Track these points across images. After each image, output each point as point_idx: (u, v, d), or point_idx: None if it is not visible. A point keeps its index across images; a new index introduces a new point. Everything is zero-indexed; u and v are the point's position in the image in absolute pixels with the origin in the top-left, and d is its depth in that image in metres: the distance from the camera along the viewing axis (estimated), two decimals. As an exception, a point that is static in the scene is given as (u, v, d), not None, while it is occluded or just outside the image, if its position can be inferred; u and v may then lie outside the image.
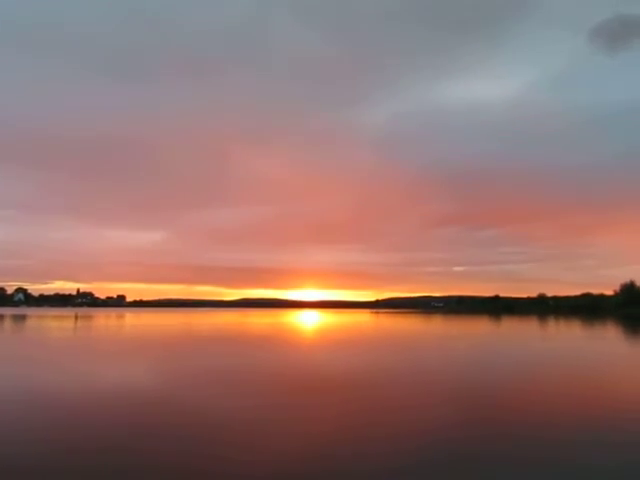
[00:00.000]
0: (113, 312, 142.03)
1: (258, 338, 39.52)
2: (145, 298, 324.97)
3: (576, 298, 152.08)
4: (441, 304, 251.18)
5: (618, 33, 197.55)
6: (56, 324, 61.66)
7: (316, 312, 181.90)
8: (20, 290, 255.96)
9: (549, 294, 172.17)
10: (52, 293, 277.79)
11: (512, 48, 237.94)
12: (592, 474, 7.17)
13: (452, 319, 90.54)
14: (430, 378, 16.69)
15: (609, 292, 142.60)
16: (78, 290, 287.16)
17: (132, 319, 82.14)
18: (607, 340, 37.44)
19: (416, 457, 7.81)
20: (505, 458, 7.83)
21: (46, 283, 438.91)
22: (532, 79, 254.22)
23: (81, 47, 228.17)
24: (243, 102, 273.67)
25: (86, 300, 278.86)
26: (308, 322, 79.57)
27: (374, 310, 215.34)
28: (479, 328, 57.43)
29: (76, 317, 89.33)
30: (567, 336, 42.65)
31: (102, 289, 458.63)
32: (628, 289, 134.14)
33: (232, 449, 8.19)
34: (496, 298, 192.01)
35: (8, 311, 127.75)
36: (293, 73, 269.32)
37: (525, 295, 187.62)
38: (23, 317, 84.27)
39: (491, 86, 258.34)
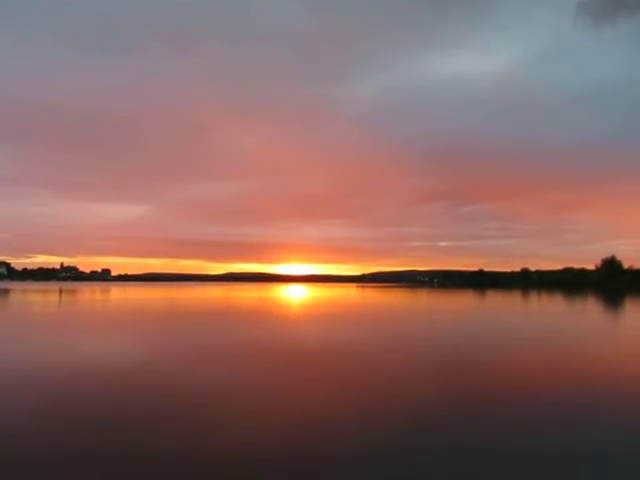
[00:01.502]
0: (98, 286, 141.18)
1: (244, 312, 39.65)
2: (130, 272, 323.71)
3: (558, 272, 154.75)
4: (426, 278, 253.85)
5: (603, 9, 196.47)
6: (40, 298, 61.14)
7: (302, 286, 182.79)
8: (3, 264, 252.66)
9: (532, 269, 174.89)
10: (35, 267, 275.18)
11: (498, 23, 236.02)
12: (571, 431, 7.36)
13: (437, 293, 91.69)
14: (415, 350, 16.93)
15: (591, 267, 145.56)
16: (62, 264, 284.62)
17: (117, 293, 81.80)
18: (585, 314, 38.25)
19: (403, 419, 7.95)
20: (488, 419, 8.03)
21: (29, 257, 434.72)
22: (518, 55, 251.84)
23: (64, 20, 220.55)
24: (226, 76, 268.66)
25: (70, 274, 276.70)
26: (294, 296, 79.98)
27: (360, 284, 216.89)
28: (464, 302, 58.26)
29: (61, 291, 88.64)
30: (548, 310, 43.50)
31: (86, 263, 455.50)
32: (609, 264, 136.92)
33: (216, 425, 8.22)
34: (480, 273, 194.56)
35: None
36: (277, 47, 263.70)
37: (509, 270, 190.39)
38: (6, 291, 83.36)
39: (477, 61, 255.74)
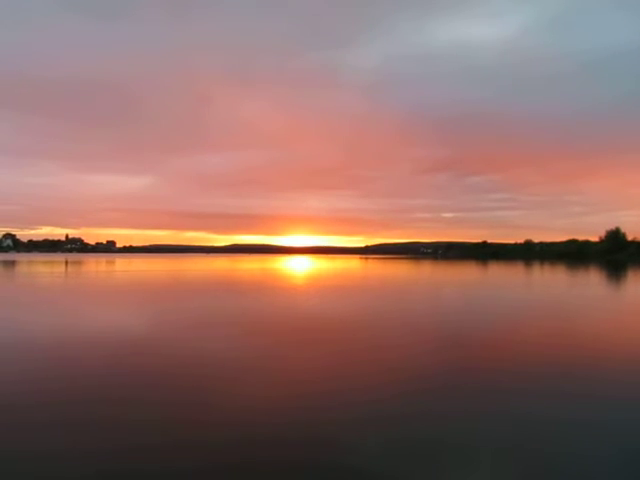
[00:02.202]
0: (103, 257, 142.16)
1: (247, 284, 39.97)
2: (135, 244, 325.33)
3: (562, 244, 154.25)
4: (430, 250, 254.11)
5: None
6: (46, 269, 61.72)
7: (306, 258, 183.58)
8: (8, 236, 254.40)
9: (536, 240, 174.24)
10: (41, 239, 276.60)
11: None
12: (566, 401, 7.51)
13: (440, 265, 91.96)
14: (417, 323, 17.11)
15: (595, 238, 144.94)
16: (67, 236, 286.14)
17: (122, 264, 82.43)
18: (588, 286, 38.37)
19: (403, 390, 8.12)
20: (488, 390, 8.19)
21: (34, 229, 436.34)
22: (527, 20, 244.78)
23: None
24: (226, 42, 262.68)
25: (75, 246, 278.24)
26: (298, 268, 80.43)
27: (364, 256, 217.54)
28: (467, 274, 58.46)
29: (66, 262, 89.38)
30: (551, 282, 43.64)
31: (91, 235, 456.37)
32: (613, 236, 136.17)
33: (221, 396, 8.38)
34: (484, 244, 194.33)
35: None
36: (277, 12, 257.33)
37: (512, 241, 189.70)
38: (12, 263, 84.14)
39: (484, 26, 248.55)
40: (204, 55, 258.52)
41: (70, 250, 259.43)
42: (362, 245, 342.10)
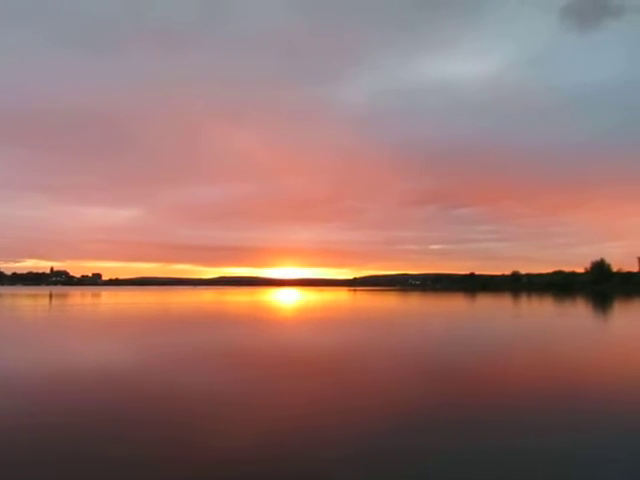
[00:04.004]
0: (89, 290, 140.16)
1: (235, 317, 39.60)
2: (121, 276, 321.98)
3: (548, 275, 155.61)
4: (418, 282, 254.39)
5: (588, 12, 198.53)
6: (30, 303, 60.63)
7: (295, 290, 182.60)
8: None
9: (523, 272, 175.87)
10: (25, 272, 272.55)
11: (488, 24, 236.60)
12: (551, 435, 7.48)
13: (429, 297, 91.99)
14: (405, 356, 17.03)
15: (580, 270, 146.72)
16: (52, 269, 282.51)
17: (108, 297, 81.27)
18: (574, 317, 38.59)
19: (392, 425, 8.03)
20: (476, 424, 8.12)
21: (18, 262, 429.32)
22: (509, 57, 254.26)
23: (51, 18, 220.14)
24: (217, 77, 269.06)
25: (60, 279, 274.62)
26: (287, 300, 79.92)
27: (352, 288, 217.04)
28: (455, 306, 58.53)
29: (51, 295, 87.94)
30: (538, 313, 43.83)
31: (76, 267, 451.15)
32: (598, 267, 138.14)
33: (203, 433, 8.24)
34: (472, 276, 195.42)
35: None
36: (267, 47, 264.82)
37: (500, 273, 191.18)
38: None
39: (469, 63, 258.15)
40: (195, 88, 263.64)
41: (55, 283, 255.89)
42: (350, 277, 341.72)
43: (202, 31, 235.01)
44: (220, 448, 7.13)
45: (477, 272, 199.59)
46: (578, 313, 42.48)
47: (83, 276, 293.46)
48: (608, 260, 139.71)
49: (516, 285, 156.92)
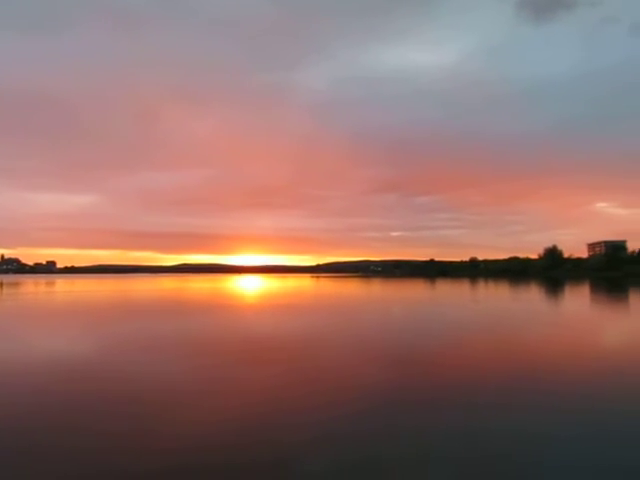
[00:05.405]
0: (43, 279, 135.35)
1: (196, 304, 39.16)
2: (77, 264, 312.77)
3: (504, 262, 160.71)
4: (379, 268, 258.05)
5: (542, 4, 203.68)
6: (-22, 292, 58.04)
7: (257, 277, 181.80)
8: None
9: (480, 258, 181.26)
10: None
11: (445, 14, 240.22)
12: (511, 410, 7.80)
13: (390, 283, 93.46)
14: (367, 339, 17.30)
15: (534, 256, 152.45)
16: (2, 256, 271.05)
17: (64, 285, 78.74)
18: (528, 301, 40.10)
19: (353, 408, 8.18)
20: (434, 405, 8.37)
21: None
22: (468, 47, 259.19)
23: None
24: (173, 61, 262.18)
25: (12, 267, 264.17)
26: (248, 287, 79.54)
27: (315, 275, 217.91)
28: (415, 291, 59.70)
29: (1, 284, 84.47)
30: (495, 298, 45.30)
31: (29, 255, 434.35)
32: (551, 253, 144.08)
33: (162, 421, 8.16)
34: (431, 262, 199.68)
35: None
36: (225, 33, 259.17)
37: (458, 259, 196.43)
38: (-60, 285, 78.61)
39: (428, 53, 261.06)
40: (150, 71, 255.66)
41: (6, 271, 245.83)
42: (313, 264, 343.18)
43: (161, 12, 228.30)
44: (184, 436, 7.10)
45: (436, 258, 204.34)
46: (532, 298, 44.13)
47: (36, 264, 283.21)
48: (560, 247, 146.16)
49: (474, 271, 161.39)
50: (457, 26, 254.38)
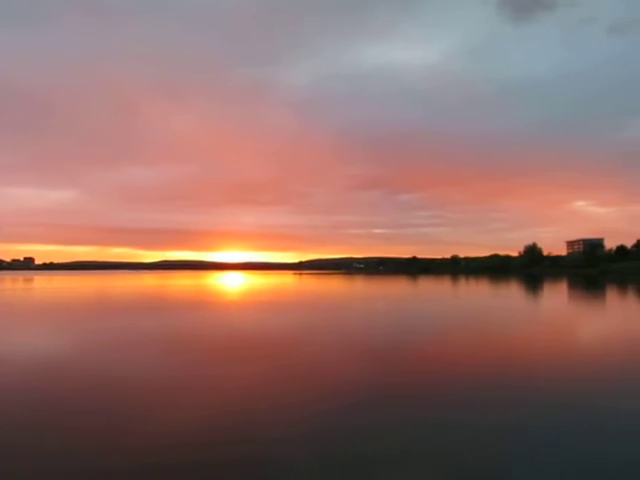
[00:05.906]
0: (20, 275, 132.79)
1: (176, 301, 38.83)
2: (56, 260, 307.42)
3: (485, 259, 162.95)
4: (362, 265, 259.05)
5: (523, 4, 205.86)
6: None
7: (239, 274, 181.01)
8: None
9: (462, 255, 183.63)
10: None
11: (428, 12, 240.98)
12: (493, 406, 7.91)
13: (373, 280, 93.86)
14: (350, 336, 17.35)
15: (514, 253, 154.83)
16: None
17: (42, 282, 77.36)
18: (508, 298, 40.67)
19: (334, 403, 8.21)
20: (417, 400, 8.44)
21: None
22: (450, 46, 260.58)
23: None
24: (152, 55, 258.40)
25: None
26: (231, 284, 79.13)
27: (297, 272, 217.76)
28: (398, 288, 60.07)
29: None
30: (476, 295, 45.83)
31: (6, 251, 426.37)
32: (530, 251, 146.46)
33: (140, 420, 8.09)
34: (413, 259, 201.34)
35: None
36: (206, 27, 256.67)
37: (440, 256, 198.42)
38: None
39: (410, 51, 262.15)
40: (130, 66, 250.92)
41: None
42: (296, 261, 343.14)
43: (141, 5, 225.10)
44: (162, 434, 7.04)
45: (419, 256, 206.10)
46: (511, 294, 44.76)
47: (14, 260, 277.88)
48: (539, 244, 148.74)
49: (455, 268, 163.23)
50: (440, 24, 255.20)
